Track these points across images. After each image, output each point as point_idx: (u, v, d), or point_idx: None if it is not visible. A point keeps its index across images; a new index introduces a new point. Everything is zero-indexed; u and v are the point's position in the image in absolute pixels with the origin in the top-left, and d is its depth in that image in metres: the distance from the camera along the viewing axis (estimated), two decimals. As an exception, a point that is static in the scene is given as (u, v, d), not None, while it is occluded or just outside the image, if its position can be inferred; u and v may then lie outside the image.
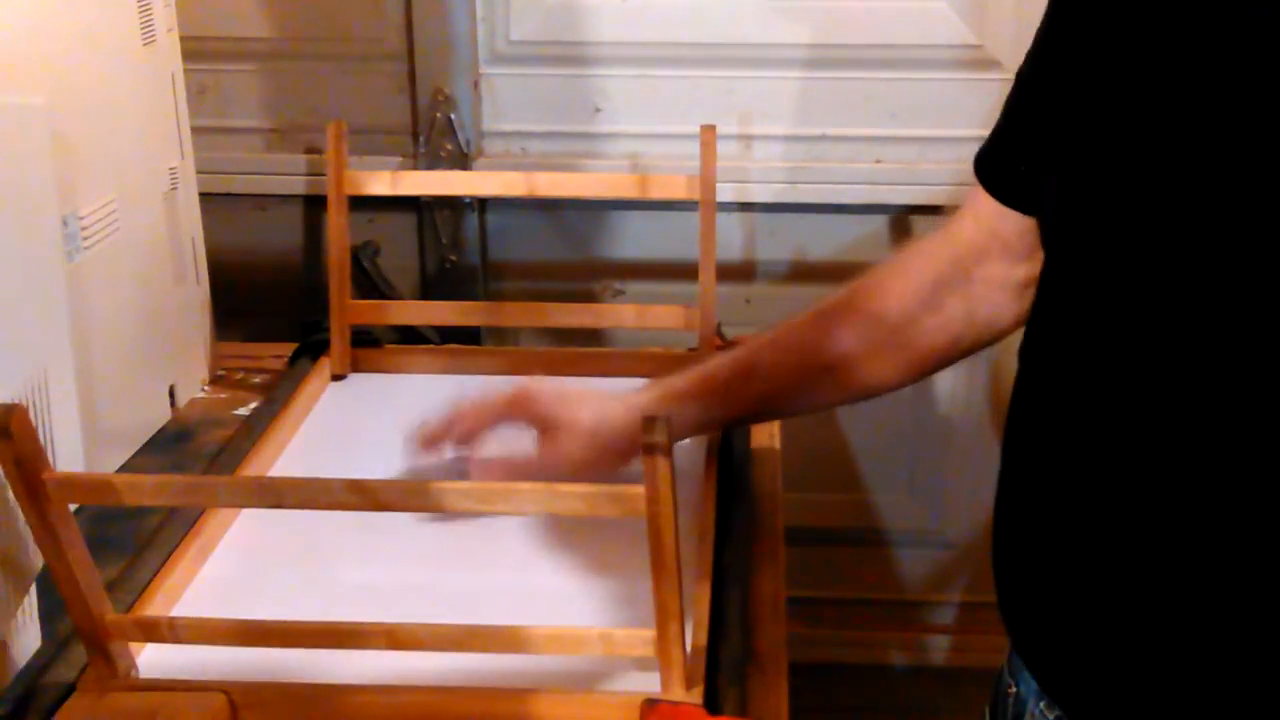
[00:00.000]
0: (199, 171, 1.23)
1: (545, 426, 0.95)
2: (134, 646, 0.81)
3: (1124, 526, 0.70)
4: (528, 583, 0.92)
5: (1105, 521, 0.71)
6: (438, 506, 0.72)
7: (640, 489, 0.69)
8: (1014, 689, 0.81)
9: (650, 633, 0.75)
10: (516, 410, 0.96)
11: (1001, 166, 0.85)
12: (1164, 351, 0.67)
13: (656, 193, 1.21)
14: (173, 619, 0.81)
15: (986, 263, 0.87)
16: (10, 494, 0.72)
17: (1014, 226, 0.84)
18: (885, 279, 0.92)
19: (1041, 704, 0.77)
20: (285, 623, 0.78)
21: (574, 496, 0.71)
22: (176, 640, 0.79)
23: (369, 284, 1.43)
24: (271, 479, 0.95)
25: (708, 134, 1.17)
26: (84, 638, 0.77)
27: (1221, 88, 0.64)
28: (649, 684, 0.78)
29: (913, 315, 0.89)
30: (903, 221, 1.50)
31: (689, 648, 0.79)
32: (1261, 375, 0.64)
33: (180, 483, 0.79)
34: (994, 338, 0.90)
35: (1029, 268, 0.84)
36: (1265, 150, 0.62)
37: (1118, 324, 0.69)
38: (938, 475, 1.60)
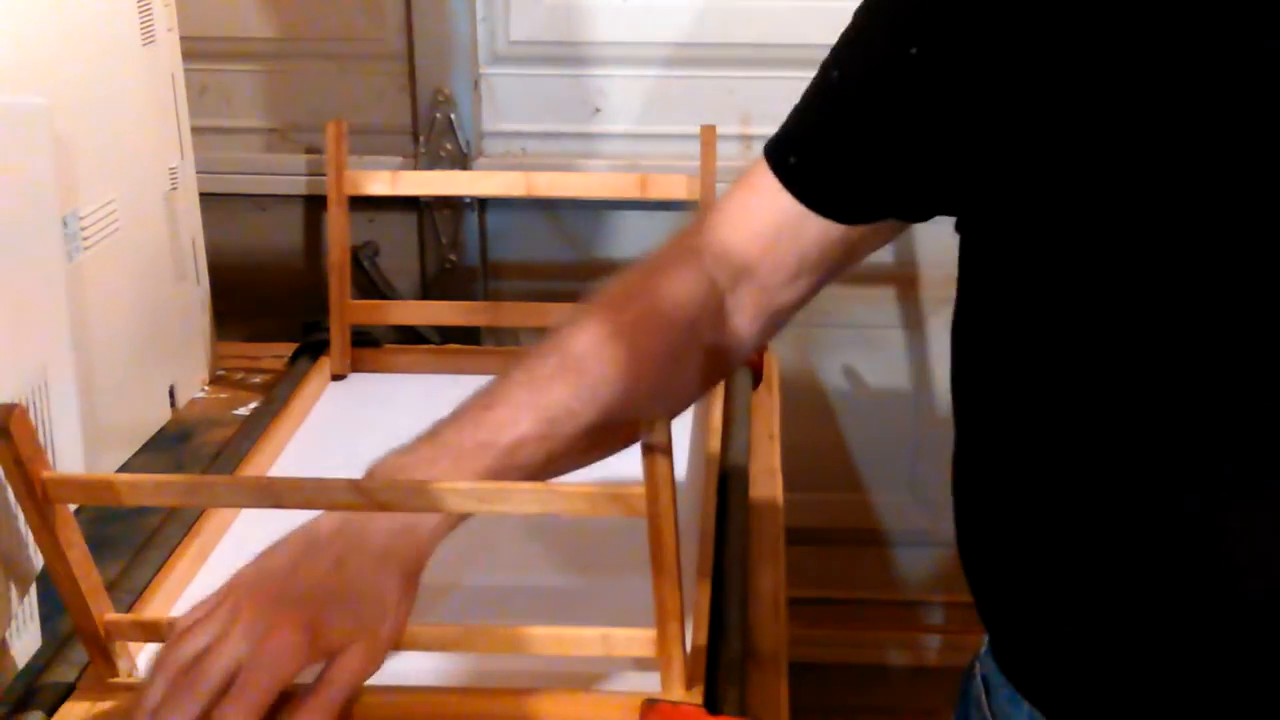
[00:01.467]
0: (199, 171, 1.23)
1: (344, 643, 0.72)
2: (134, 646, 0.81)
3: (1082, 527, 0.70)
4: (528, 583, 0.92)
5: (1065, 524, 0.71)
6: (437, 506, 0.72)
7: (640, 489, 0.69)
8: None
9: (650, 633, 0.75)
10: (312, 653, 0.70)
11: (835, 178, 0.76)
12: (1112, 350, 0.66)
13: (656, 193, 1.21)
14: (173, 619, 0.81)
15: (743, 288, 0.79)
16: (10, 494, 0.72)
17: (813, 238, 0.77)
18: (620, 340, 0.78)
19: None
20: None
21: (574, 497, 0.71)
22: None
23: (369, 284, 1.44)
24: (271, 479, 0.95)
25: (708, 134, 1.17)
26: (84, 638, 0.77)
27: (1168, 82, 0.63)
28: (649, 684, 0.78)
29: (667, 371, 0.80)
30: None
31: (689, 647, 0.79)
32: (1215, 365, 0.63)
33: (180, 483, 0.78)
34: (729, 371, 0.83)
35: (789, 294, 0.79)
36: (1218, 143, 0.62)
37: (1062, 325, 0.68)
38: (938, 475, 1.59)
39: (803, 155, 0.77)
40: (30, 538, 0.76)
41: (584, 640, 0.78)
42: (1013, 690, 0.77)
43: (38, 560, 0.80)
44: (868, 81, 0.73)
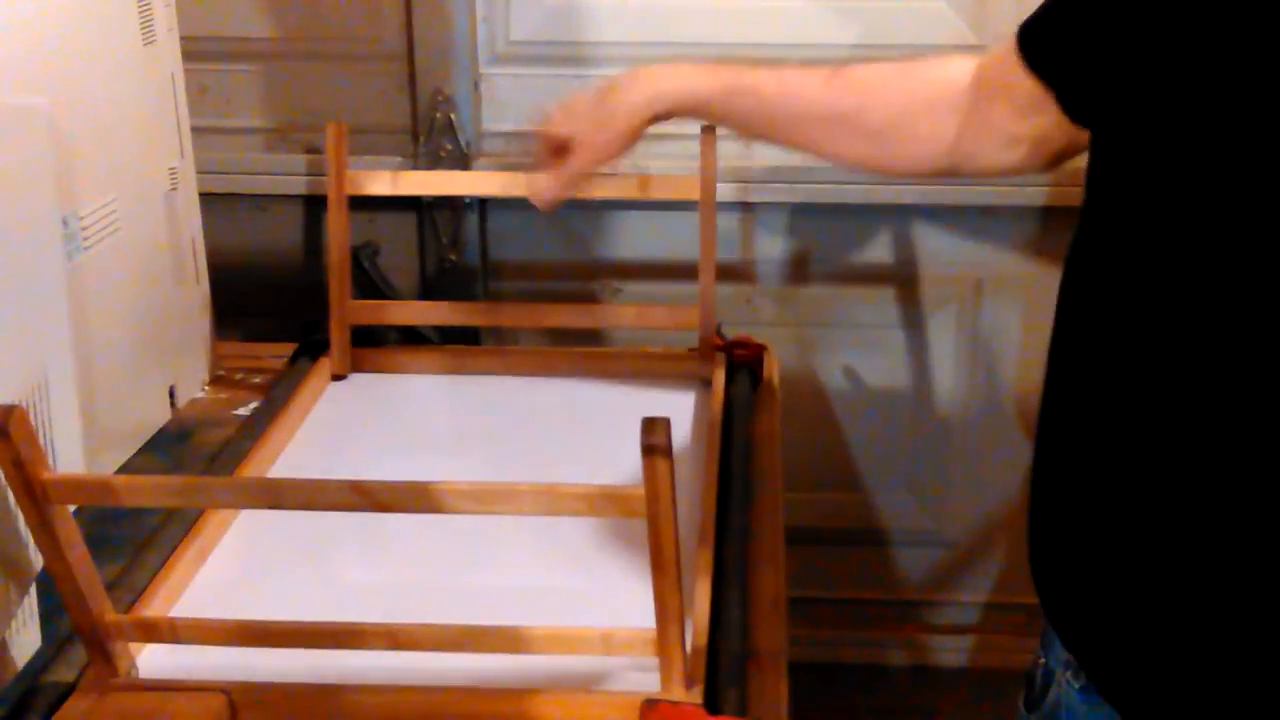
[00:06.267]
0: (199, 171, 1.23)
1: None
2: (134, 646, 0.81)
3: (1159, 506, 0.70)
4: (528, 583, 0.92)
5: (1141, 500, 0.71)
6: (438, 508, 0.72)
7: (640, 490, 0.69)
8: (1043, 660, 0.82)
9: (650, 632, 0.75)
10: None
11: (1050, 45, 0.81)
12: (1205, 329, 0.67)
13: (656, 193, 1.21)
14: (173, 619, 0.81)
15: (992, 105, 0.86)
16: (10, 494, 0.72)
17: (1030, 90, 0.82)
18: (895, 78, 0.93)
19: (1068, 674, 0.79)
20: (285, 623, 0.78)
21: (574, 498, 0.71)
22: (176, 640, 0.79)
23: (369, 284, 1.44)
24: (271, 480, 0.95)
25: (708, 134, 1.17)
26: (84, 638, 0.77)
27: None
28: (649, 684, 0.78)
29: (912, 112, 0.92)
30: (903, 222, 1.50)
31: (689, 648, 0.79)
32: None
33: (180, 483, 0.78)
34: (961, 172, 0.92)
35: (1024, 126, 0.85)
36: None
37: (1161, 301, 0.69)
38: (938, 475, 1.60)
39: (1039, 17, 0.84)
40: (30, 538, 0.76)
41: (584, 640, 0.78)
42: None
43: (38, 560, 0.80)
44: None
